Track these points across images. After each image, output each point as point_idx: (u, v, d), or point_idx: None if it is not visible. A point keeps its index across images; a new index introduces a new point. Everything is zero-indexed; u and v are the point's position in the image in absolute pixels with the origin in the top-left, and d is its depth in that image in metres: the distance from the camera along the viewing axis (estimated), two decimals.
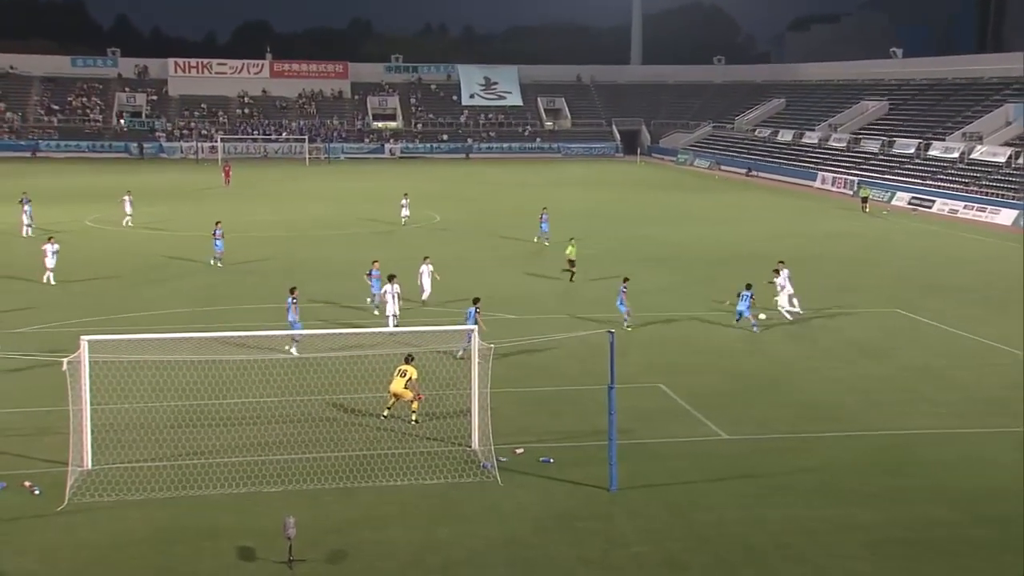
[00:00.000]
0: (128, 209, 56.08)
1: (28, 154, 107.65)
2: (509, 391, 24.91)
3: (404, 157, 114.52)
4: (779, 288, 33.64)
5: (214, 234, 43.69)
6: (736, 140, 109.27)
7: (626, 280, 32.71)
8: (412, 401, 22.88)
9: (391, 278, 31.00)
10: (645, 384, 26.29)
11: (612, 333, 19.90)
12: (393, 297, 30.52)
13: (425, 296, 34.67)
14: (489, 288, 36.79)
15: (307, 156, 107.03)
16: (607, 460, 19.21)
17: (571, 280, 39.88)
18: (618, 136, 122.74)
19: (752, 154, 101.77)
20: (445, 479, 19.59)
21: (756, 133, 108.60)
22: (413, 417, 22.92)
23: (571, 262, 40.51)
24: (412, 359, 23.75)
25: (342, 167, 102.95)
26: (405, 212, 56.63)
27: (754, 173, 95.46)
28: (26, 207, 52.78)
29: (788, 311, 33.43)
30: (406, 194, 58.00)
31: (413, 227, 55.37)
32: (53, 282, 38.21)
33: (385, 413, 23.14)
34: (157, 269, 42.86)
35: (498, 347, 21.84)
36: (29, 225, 52.60)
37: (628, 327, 31.28)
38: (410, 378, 22.93)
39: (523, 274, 42.02)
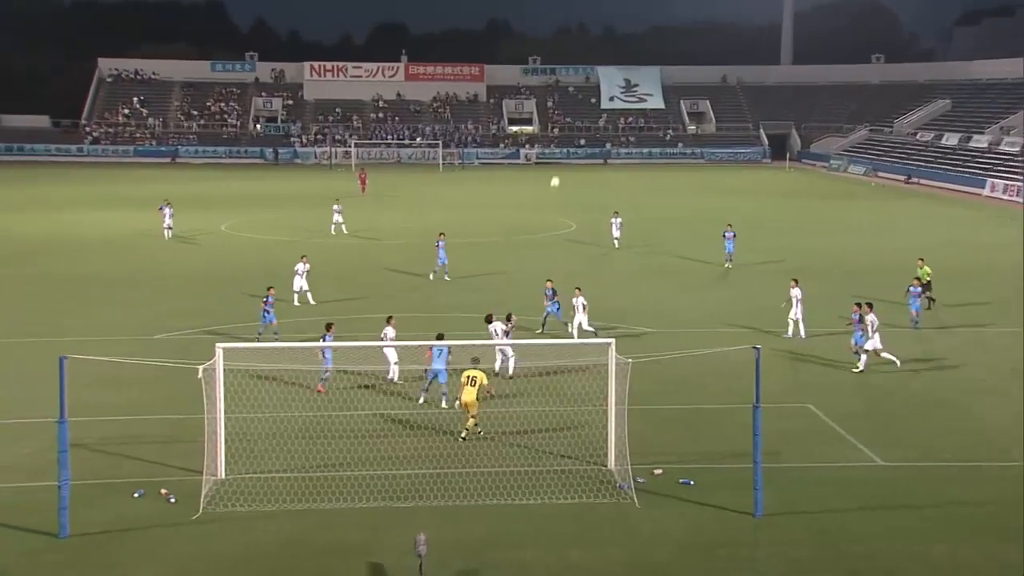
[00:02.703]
0: (338, 217, 57.52)
1: (168, 160, 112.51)
2: (648, 408, 24.79)
3: (540, 162, 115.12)
4: (793, 303, 32.58)
5: (437, 244, 43.35)
6: (895, 144, 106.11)
7: (867, 306, 29.89)
8: (471, 417, 22.76)
9: (488, 319, 28.05)
10: (793, 404, 25.80)
11: (758, 349, 19.54)
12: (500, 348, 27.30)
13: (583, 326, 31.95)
14: (659, 310, 36.65)
15: (441, 162, 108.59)
16: (752, 484, 18.90)
17: (930, 307, 36.45)
18: (766, 140, 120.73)
19: (913, 159, 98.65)
20: (579, 499, 19.58)
21: (918, 137, 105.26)
22: (463, 434, 22.74)
23: (926, 285, 36.64)
24: (478, 361, 23.58)
25: (477, 173, 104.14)
26: (616, 232, 52.15)
27: (915, 180, 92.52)
28: (167, 210, 55.39)
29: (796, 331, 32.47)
30: (617, 212, 53.40)
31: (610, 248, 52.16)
32: (312, 301, 37.20)
33: (463, 435, 22.79)
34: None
35: (636, 362, 21.69)
36: (169, 228, 55.37)
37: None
38: (481, 384, 22.83)
39: (694, 295, 40.74)
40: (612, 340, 21.34)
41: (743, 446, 20.95)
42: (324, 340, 26.47)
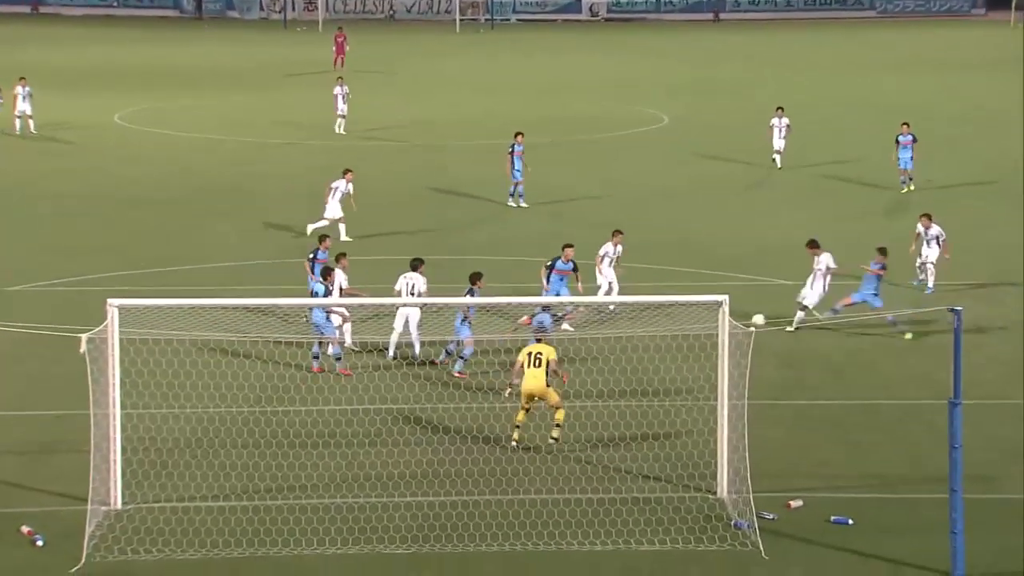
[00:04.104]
0: (342, 107, 57.11)
1: (27, 9, 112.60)
2: (779, 404, 24.87)
3: (613, 19, 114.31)
4: (926, 242, 33.24)
5: (511, 151, 43.40)
6: None
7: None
8: (556, 408, 22.99)
9: (414, 266, 28.34)
10: (1015, 400, 25.60)
11: (958, 312, 19.39)
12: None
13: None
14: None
15: (457, 18, 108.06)
16: (947, 526, 18.86)
17: None
18: None
19: None
20: (674, 545, 19.58)
21: None
22: (555, 433, 23.04)
23: None
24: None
25: (514, 35, 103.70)
26: (780, 142, 50.29)
27: None
28: (21, 90, 55.41)
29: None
30: (780, 108, 51.12)
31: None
32: (347, 237, 37.63)
33: (515, 439, 23.10)
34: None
35: (762, 332, 21.64)
36: (28, 116, 55.64)
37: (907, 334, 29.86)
38: (547, 363, 22.94)
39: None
40: (725, 297, 21.25)
41: (935, 465, 20.88)
42: (318, 293, 26.76)
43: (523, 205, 43.32)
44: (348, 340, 27.77)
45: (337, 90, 57.30)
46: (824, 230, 39.81)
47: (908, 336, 29.46)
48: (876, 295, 29.85)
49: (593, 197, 43.99)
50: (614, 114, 63.41)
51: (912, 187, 45.63)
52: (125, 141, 55.89)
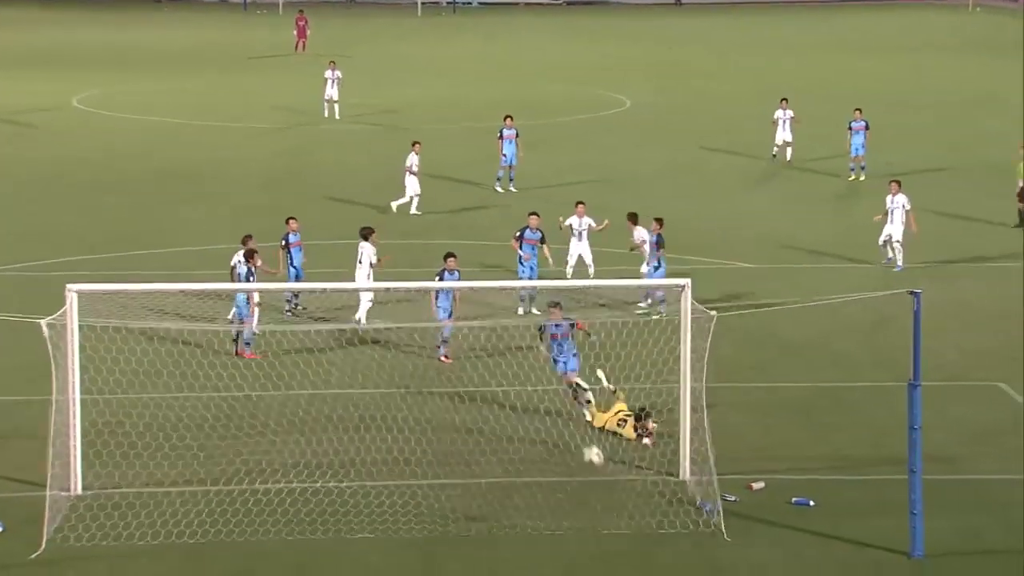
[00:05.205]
0: (332, 91, 56.70)
1: None
2: (743, 387, 25.03)
3: (575, 2, 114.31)
4: (891, 212, 33.84)
5: (500, 135, 43.27)
6: None
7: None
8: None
9: (365, 234, 29.56)
10: (976, 382, 25.84)
11: (917, 295, 19.52)
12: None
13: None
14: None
15: (419, 0, 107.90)
16: (907, 506, 19.00)
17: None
18: None
19: None
20: (637, 527, 19.67)
21: None
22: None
23: None
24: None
25: (476, 20, 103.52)
26: (785, 134, 48.22)
27: None
28: None
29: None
30: (785, 100, 48.98)
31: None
32: (417, 211, 39.60)
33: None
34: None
35: (724, 316, 21.71)
36: None
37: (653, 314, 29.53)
38: (620, 415, 23.32)
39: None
40: (687, 281, 21.29)
41: (895, 447, 20.98)
42: (241, 275, 26.81)
43: (512, 190, 43.10)
44: (254, 323, 27.60)
45: (328, 74, 56.85)
46: (786, 215, 40.29)
47: (649, 314, 29.13)
48: (657, 268, 30.04)
49: (557, 180, 43.95)
50: (576, 98, 63.43)
51: (863, 176, 45.08)
52: (85, 125, 55.64)
